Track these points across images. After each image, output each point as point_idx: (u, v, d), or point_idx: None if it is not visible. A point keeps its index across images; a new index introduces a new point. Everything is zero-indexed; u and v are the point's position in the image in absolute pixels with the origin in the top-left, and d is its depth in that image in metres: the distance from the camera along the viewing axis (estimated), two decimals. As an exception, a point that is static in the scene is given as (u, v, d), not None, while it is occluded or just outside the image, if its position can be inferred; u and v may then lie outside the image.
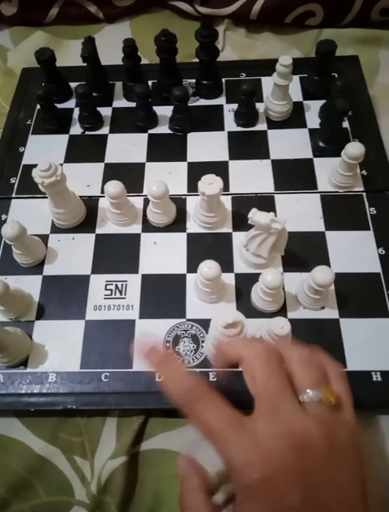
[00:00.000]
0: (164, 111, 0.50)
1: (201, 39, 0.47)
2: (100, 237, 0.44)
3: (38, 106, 0.52)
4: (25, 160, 0.49)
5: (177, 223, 0.44)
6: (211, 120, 0.50)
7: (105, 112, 0.51)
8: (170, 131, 0.50)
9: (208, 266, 0.36)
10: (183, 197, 0.45)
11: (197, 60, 0.50)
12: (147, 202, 0.44)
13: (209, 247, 0.42)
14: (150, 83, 0.53)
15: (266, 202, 0.44)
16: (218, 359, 0.30)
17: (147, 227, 0.44)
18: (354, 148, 0.41)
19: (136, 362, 0.37)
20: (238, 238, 0.42)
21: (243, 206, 0.44)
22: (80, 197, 0.44)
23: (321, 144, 0.47)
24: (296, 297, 0.39)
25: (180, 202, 0.45)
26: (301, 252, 0.41)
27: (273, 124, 0.50)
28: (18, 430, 0.37)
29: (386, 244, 0.42)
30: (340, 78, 0.49)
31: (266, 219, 0.36)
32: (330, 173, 0.45)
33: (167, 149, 0.49)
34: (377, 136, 0.48)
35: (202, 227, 0.43)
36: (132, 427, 0.36)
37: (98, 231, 0.44)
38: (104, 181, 0.42)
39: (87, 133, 0.51)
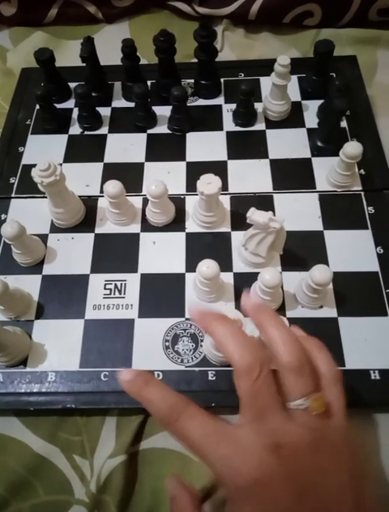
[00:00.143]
0: (163, 111, 0.50)
1: (200, 39, 0.47)
2: (100, 237, 0.44)
3: (37, 106, 0.52)
4: (24, 160, 0.49)
5: (176, 222, 0.44)
6: (209, 120, 0.51)
7: (104, 112, 0.52)
8: (169, 131, 0.50)
9: (207, 266, 0.36)
10: (182, 196, 0.45)
11: (196, 60, 0.50)
12: (146, 201, 0.44)
13: (208, 246, 0.42)
14: (149, 83, 0.53)
15: (264, 202, 0.45)
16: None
17: (146, 226, 0.44)
18: (352, 147, 0.41)
19: (135, 362, 0.37)
20: (237, 237, 0.42)
21: (242, 205, 0.44)
22: (79, 196, 0.44)
23: (319, 144, 0.47)
24: (294, 296, 0.39)
25: (179, 202, 0.45)
26: (300, 251, 0.42)
27: (271, 124, 0.50)
28: (17, 429, 0.37)
29: (384, 243, 0.42)
30: (338, 77, 0.49)
31: (264, 218, 0.36)
32: (328, 173, 0.45)
33: (166, 149, 0.49)
34: (375, 135, 0.48)
35: (201, 226, 0.43)
36: (131, 426, 0.36)
37: (97, 230, 0.44)
38: (104, 181, 0.42)
39: (86, 133, 0.51)
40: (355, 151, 0.41)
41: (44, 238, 0.43)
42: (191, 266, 0.40)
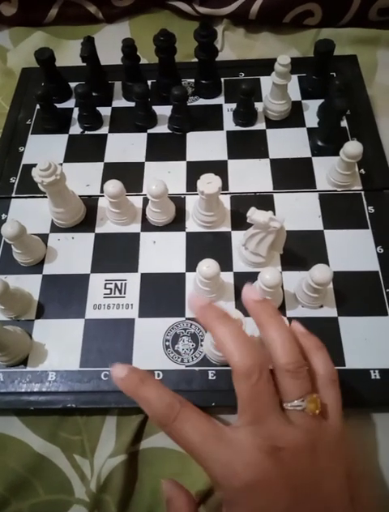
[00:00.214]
0: (164, 110, 0.50)
1: (200, 39, 0.47)
2: (100, 236, 0.44)
3: (38, 106, 0.52)
4: (25, 160, 0.49)
5: (177, 222, 0.44)
6: (210, 119, 0.51)
7: (105, 111, 0.52)
8: (169, 131, 0.50)
9: (207, 265, 0.36)
10: (182, 196, 0.45)
11: (196, 60, 0.50)
12: (146, 201, 0.44)
13: (208, 246, 0.42)
14: (149, 82, 0.53)
15: (264, 201, 0.45)
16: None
17: (147, 226, 0.44)
18: (352, 147, 0.41)
19: (136, 361, 0.37)
20: (237, 237, 0.42)
21: (242, 205, 0.44)
22: (80, 196, 0.44)
23: (319, 143, 0.47)
24: (294, 296, 0.39)
25: (179, 202, 0.45)
26: (300, 251, 0.42)
27: (272, 123, 0.50)
28: (17, 429, 0.37)
29: (384, 242, 0.42)
30: (339, 77, 0.49)
31: (264, 217, 0.36)
32: (328, 172, 0.45)
33: (166, 148, 0.49)
34: (375, 135, 0.48)
35: (201, 226, 0.43)
36: (131, 425, 0.36)
37: (97, 230, 0.44)
38: (104, 181, 0.42)
39: (86, 132, 0.51)
40: (355, 150, 0.41)
41: (44, 238, 0.43)
42: (191, 265, 0.40)
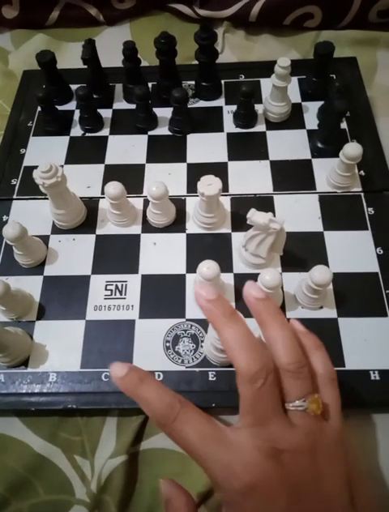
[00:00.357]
0: (164, 113, 0.51)
1: (200, 41, 0.48)
2: (101, 238, 0.44)
3: (39, 108, 0.52)
4: (26, 162, 0.49)
5: (177, 223, 0.44)
6: (210, 121, 0.51)
7: (106, 114, 0.52)
8: (170, 133, 0.50)
9: (207, 267, 0.36)
10: (183, 198, 0.46)
11: (196, 62, 0.50)
12: (146, 202, 0.44)
13: (208, 247, 0.43)
14: (150, 84, 0.53)
15: (264, 203, 0.45)
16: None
17: (147, 227, 0.44)
18: (352, 149, 0.41)
19: (136, 362, 0.37)
20: (237, 238, 0.43)
21: (242, 206, 0.44)
22: (81, 198, 0.45)
23: (319, 145, 0.47)
24: (294, 297, 0.39)
25: (179, 203, 0.45)
26: (300, 252, 0.42)
27: (272, 125, 0.50)
28: (18, 429, 0.37)
29: (384, 243, 0.42)
30: (338, 79, 0.49)
31: (264, 219, 0.36)
32: (328, 174, 0.45)
33: (167, 150, 0.49)
34: (375, 137, 0.49)
35: (201, 227, 0.44)
36: (132, 426, 0.36)
37: (98, 232, 0.44)
38: (105, 182, 0.42)
39: (87, 134, 0.51)
40: (355, 152, 0.41)
41: (45, 239, 0.44)
42: (192, 266, 0.41)
